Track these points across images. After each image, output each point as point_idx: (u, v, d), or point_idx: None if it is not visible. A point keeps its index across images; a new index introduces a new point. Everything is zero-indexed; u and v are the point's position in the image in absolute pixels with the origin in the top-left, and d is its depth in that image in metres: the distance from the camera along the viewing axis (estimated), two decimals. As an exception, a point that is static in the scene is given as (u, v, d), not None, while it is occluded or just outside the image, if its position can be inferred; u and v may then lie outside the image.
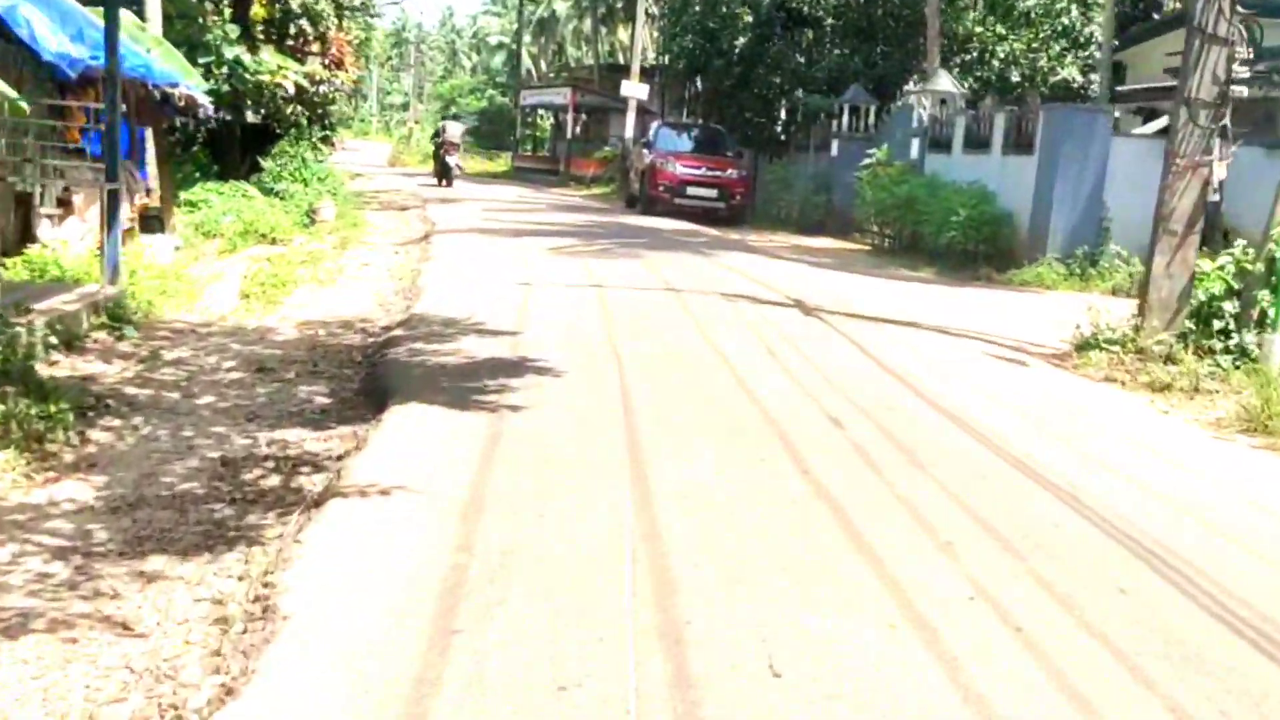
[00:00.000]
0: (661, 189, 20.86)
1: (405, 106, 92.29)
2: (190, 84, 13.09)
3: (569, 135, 31.55)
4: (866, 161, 17.79)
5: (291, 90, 23.96)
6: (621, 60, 40.33)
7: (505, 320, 8.13)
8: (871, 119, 20.89)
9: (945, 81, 17.19)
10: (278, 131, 20.68)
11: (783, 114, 23.40)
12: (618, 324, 8.34)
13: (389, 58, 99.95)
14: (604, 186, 29.39)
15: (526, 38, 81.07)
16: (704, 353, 7.42)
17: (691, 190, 20.78)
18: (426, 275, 10.66)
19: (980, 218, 14.35)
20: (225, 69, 18.39)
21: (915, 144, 17.61)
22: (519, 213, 19.20)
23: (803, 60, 22.94)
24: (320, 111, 27.75)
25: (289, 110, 22.17)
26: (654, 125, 23.06)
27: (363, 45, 39.52)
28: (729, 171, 21.13)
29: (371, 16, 68.06)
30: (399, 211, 19.59)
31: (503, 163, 42.46)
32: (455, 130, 26.79)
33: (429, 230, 15.59)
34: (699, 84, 28.32)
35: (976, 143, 15.87)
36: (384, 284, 10.54)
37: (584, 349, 7.26)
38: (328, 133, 28.50)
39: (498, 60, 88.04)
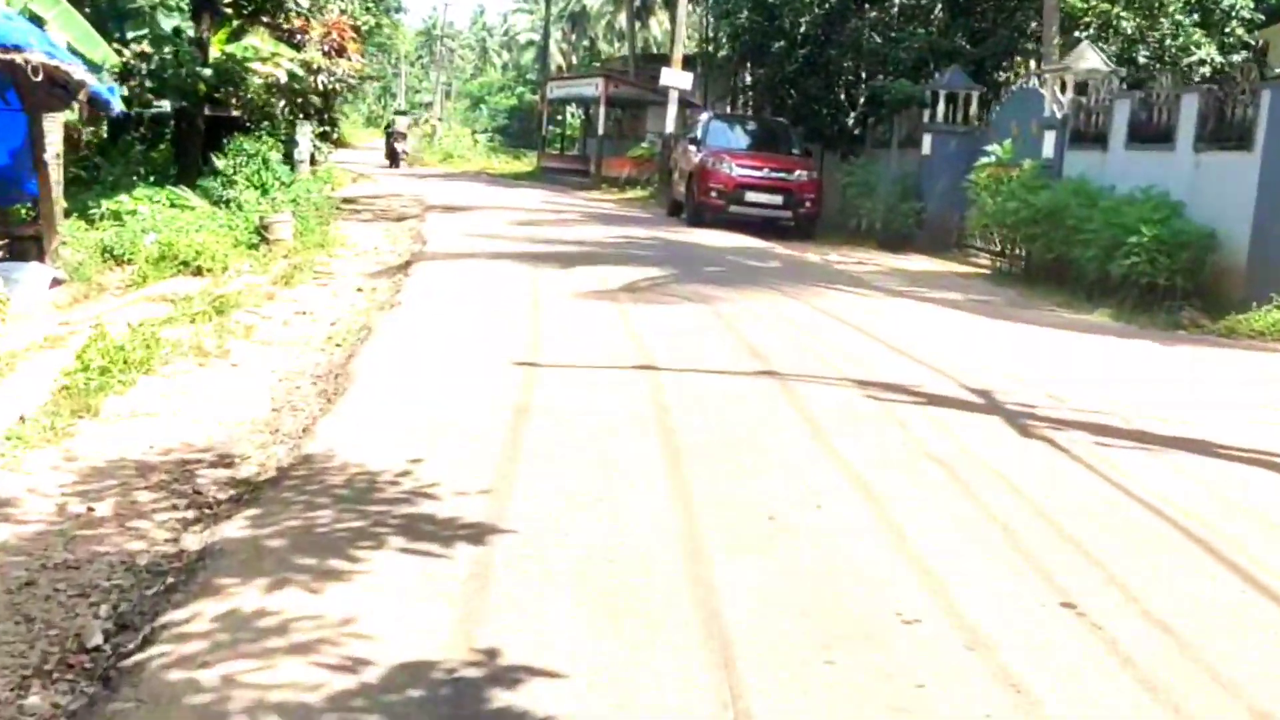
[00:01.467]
0: (713, 195, 16.75)
1: (438, 106, 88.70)
2: (77, 60, 9.20)
3: (601, 132, 27.55)
4: (983, 161, 13.60)
5: (283, 79, 20.20)
6: (657, 52, 36.16)
7: (472, 473, 4.10)
8: (974, 108, 16.67)
9: (1092, 58, 12.93)
10: (248, 125, 16.82)
11: (858, 103, 19.18)
12: (691, 473, 4.26)
13: (419, 56, 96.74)
14: (640, 190, 25.31)
15: (556, 33, 77.33)
16: (896, 583, 3.32)
17: (751, 196, 16.64)
18: (376, 342, 6.63)
19: (1171, 239, 10.12)
20: (170, 47, 14.58)
21: (1049, 138, 13.39)
22: (539, 225, 15.16)
23: (880, 39, 18.70)
24: (319, 105, 23.95)
25: (264, 101, 18.40)
26: (702, 117, 18.92)
27: (373, 32, 35.91)
28: (796, 173, 16.96)
29: (395, 12, 63.95)
30: (394, 222, 15.63)
31: (529, 163, 38.47)
32: (403, 123, 32.23)
33: (416, 252, 11.60)
34: (748, 73, 24.21)
35: (1149, 135, 11.61)
36: (308, 357, 6.53)
37: (627, 581, 3.19)
38: (327, 129, 24.71)
39: (528, 57, 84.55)
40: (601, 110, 27.40)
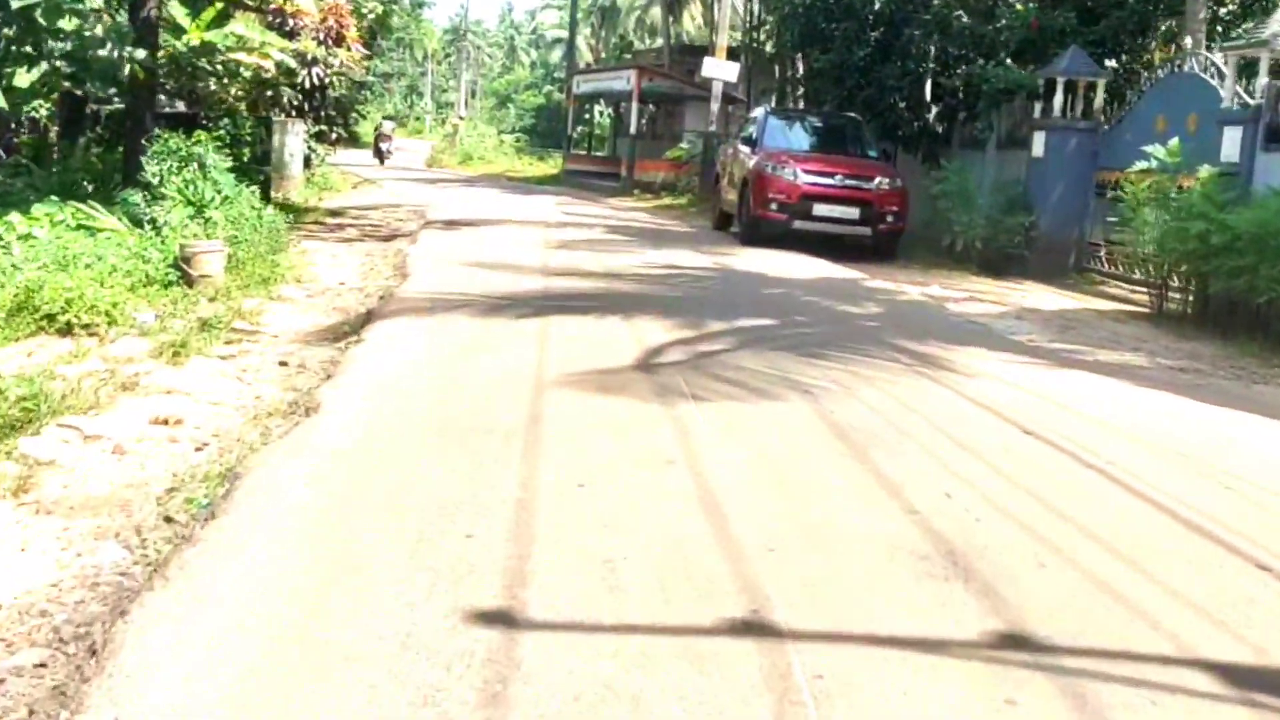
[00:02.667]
0: (774, 207, 13.47)
1: (464, 105, 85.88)
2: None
3: (633, 131, 24.33)
4: (1140, 166, 10.25)
5: (270, 71, 17.02)
6: (693, 44, 32.85)
7: None
8: (1099, 99, 13.31)
9: (1296, 27, 9.56)
10: (205, 123, 13.76)
11: (943, 95, 15.83)
12: None
13: (446, 54, 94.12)
14: (677, 196, 22.07)
15: (585, 29, 74.33)
16: None
17: (821, 209, 13.35)
18: (216, 542, 3.50)
19: None
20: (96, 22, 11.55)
21: (1230, 137, 10.04)
22: (557, 248, 11.98)
23: (967, 19, 15.31)
24: (314, 100, 20.92)
25: (248, 94, 15.38)
26: (757, 113, 15.62)
27: (384, 21, 32.74)
28: (876, 181, 13.65)
29: (420, 7, 60.26)
30: (381, 243, 12.51)
31: (554, 165, 35.31)
32: (388, 126, 33.99)
33: (387, 295, 8.44)
34: (798, 64, 20.90)
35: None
36: (97, 555, 3.42)
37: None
38: (324, 128, 21.69)
39: (555, 55, 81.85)
40: (634, 107, 24.18)
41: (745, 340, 6.88)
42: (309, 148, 20.97)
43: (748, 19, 25.36)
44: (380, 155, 30.80)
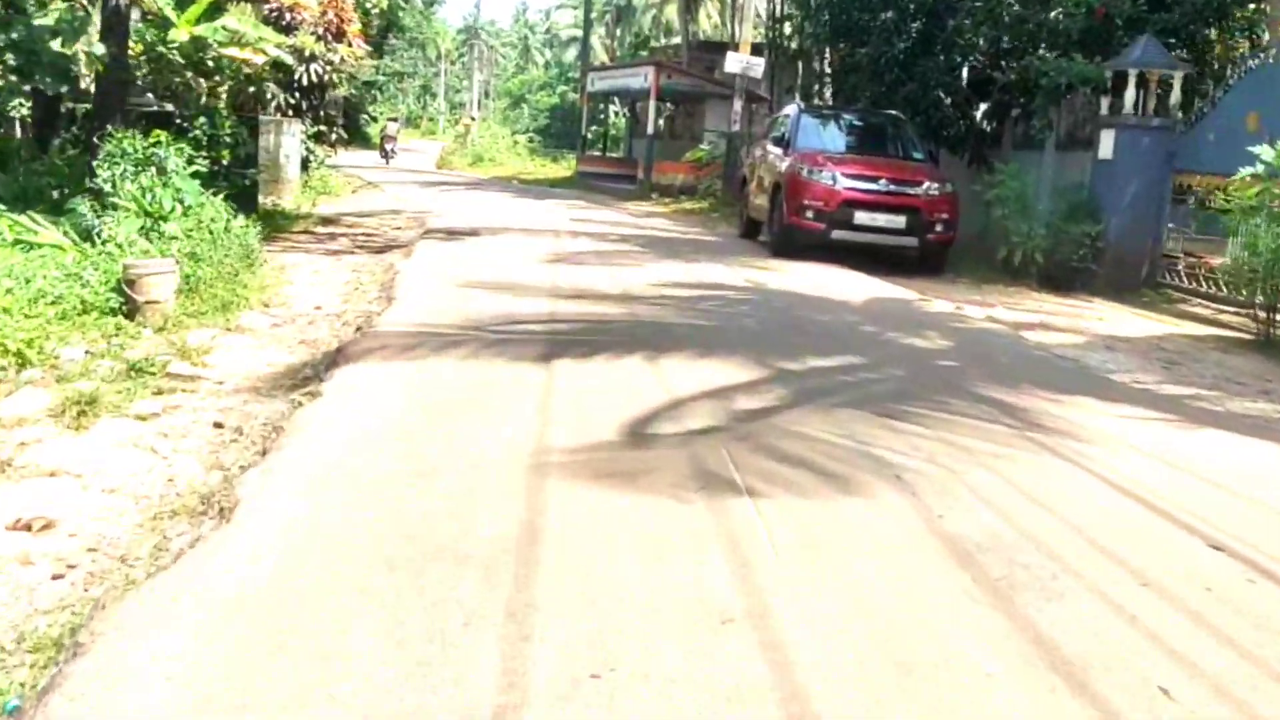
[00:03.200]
0: (810, 215, 12.02)
1: (478, 105, 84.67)
2: None
3: (651, 131, 22.90)
4: (1245, 172, 8.76)
5: (261, 67, 15.64)
6: (712, 40, 31.36)
7: None
8: (1175, 94, 11.81)
9: None
10: (181, 122, 12.42)
11: (992, 91, 14.35)
12: None
13: (460, 54, 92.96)
14: (698, 200, 20.64)
15: (600, 30, 72.99)
16: None
17: (863, 217, 11.88)
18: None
19: None
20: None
21: (1355, 135, 8.57)
22: (568, 262, 10.57)
23: (1018, 6, 13.81)
24: (313, 99, 19.62)
25: (206, 91, 14.07)
26: (789, 111, 14.13)
27: (389, 14, 31.33)
28: (925, 186, 12.17)
29: (432, 5, 59.16)
30: (372, 256, 11.11)
31: (568, 166, 33.92)
32: (393, 127, 34.13)
33: (365, 326, 7.05)
34: (827, 58, 19.44)
35: None
36: None
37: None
38: (323, 129, 20.38)
39: (570, 55, 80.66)
40: (651, 105, 22.74)
41: (800, 391, 5.45)
42: (307, 149, 19.67)
43: (770, 13, 23.90)
44: (385, 155, 31.96)
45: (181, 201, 8.78)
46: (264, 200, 15.29)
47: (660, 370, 5.77)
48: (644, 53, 34.44)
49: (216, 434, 4.74)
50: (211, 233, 8.54)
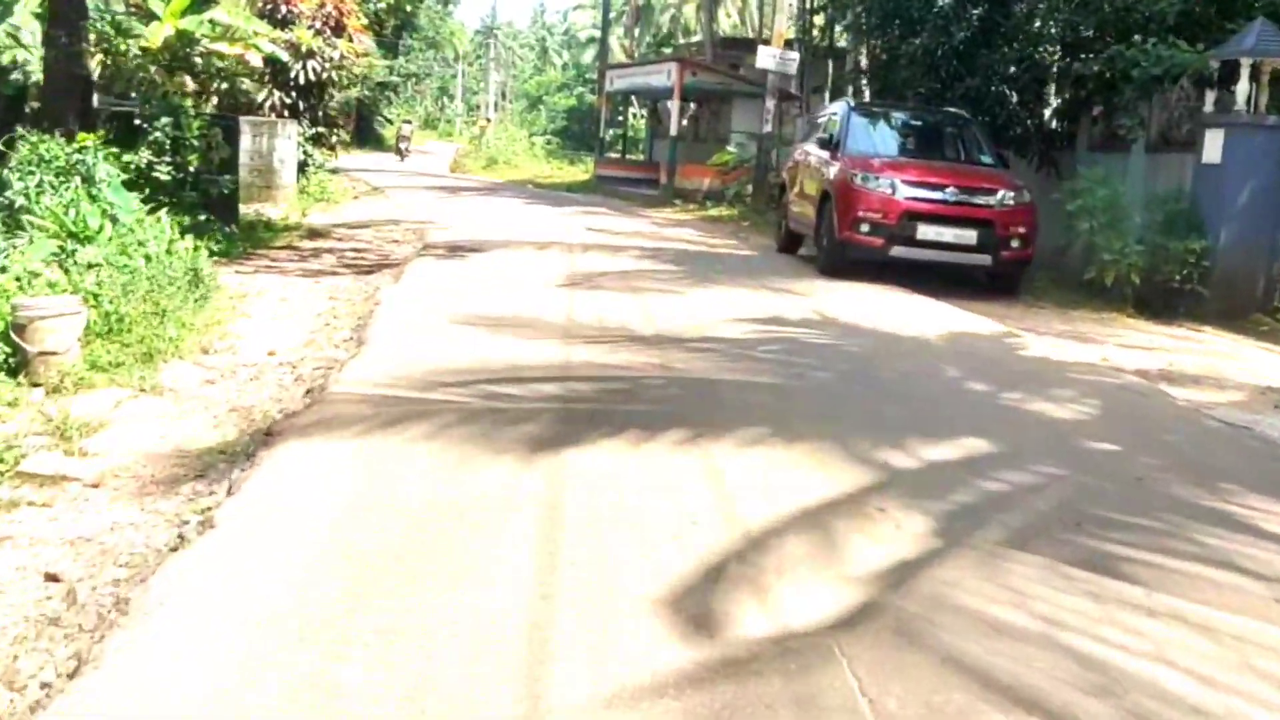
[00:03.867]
0: (865, 229, 10.23)
1: (495, 106, 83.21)
2: None
3: (674, 132, 21.13)
4: None
5: (258, 64, 14.10)
6: (736, 36, 29.54)
7: None
8: (1296, 87, 9.99)
9: None
10: (142, 124, 10.76)
11: (1067, 85, 12.53)
12: None
13: (477, 56, 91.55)
14: (727, 207, 18.88)
15: (618, 30, 71.33)
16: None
17: (927, 231, 10.09)
18: None
19: None
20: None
21: None
22: (585, 286, 8.83)
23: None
24: (311, 98, 18.00)
25: (171, 86, 12.49)
26: (835, 110, 12.28)
27: (402, 10, 29.83)
28: (999, 195, 10.35)
29: (447, 3, 57.22)
30: (358, 278, 9.42)
31: (586, 169, 32.22)
32: (408, 129, 36.86)
33: (309, 392, 5.35)
34: (861, 55, 17.66)
35: None
36: None
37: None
38: (321, 130, 18.75)
39: (588, 56, 79.12)
40: (674, 105, 20.99)
41: (930, 513, 3.67)
42: (304, 153, 18.04)
43: (800, 6, 22.11)
44: (400, 154, 34.43)
45: (113, 219, 7.12)
46: (248, 210, 13.67)
47: (715, 469, 4.03)
48: (665, 50, 32.66)
49: (37, 607, 3.01)
50: (148, 257, 6.86)
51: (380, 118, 50.85)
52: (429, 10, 64.20)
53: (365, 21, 21.19)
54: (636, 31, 66.50)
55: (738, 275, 10.32)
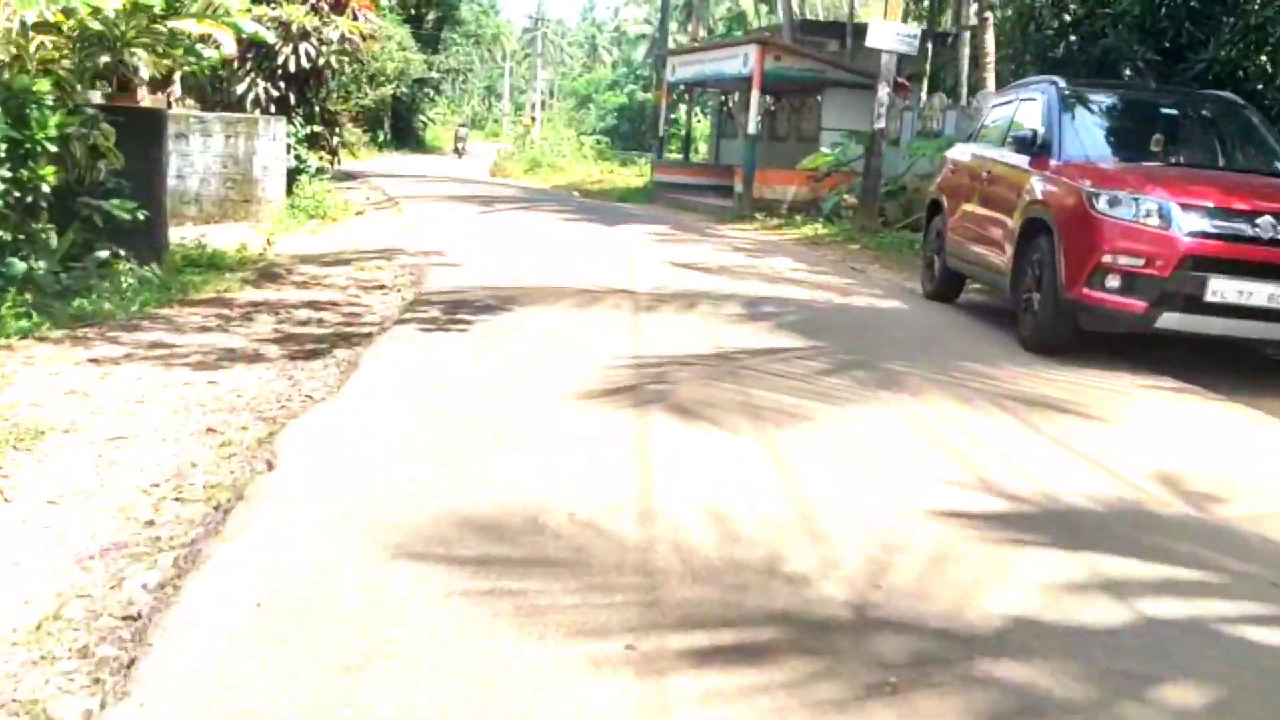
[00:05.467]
0: (1114, 284, 6.13)
1: (542, 105, 79.75)
2: None
3: (752, 130, 17.03)
4: None
5: (231, 48, 9.91)
6: (818, 19, 25.31)
7: None
8: None
9: None
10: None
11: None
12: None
13: (525, 54, 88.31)
14: (823, 225, 14.82)
15: (671, 25, 67.41)
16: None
17: (1228, 289, 5.99)
18: None
19: None
20: None
21: None
22: (647, 406, 4.81)
23: None
24: (306, 90, 14.34)
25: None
26: (1031, 95, 8.01)
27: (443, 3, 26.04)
28: (1345, 227, 6.22)
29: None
30: (292, 367, 5.59)
31: (639, 172, 28.29)
32: (463, 131, 42.98)
33: None
34: (987, 30, 13.58)
35: None
36: None
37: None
38: (318, 128, 15.03)
39: (638, 53, 75.47)
40: (754, 97, 16.94)
41: None
42: (296, 158, 14.33)
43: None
44: (459, 152, 39.63)
45: None
46: (199, 233, 10.02)
47: None
48: (738, 33, 28.56)
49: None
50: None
51: (422, 118, 47.32)
52: (471, 2, 60.81)
53: (379, -4, 17.47)
54: (689, 27, 62.24)
55: (909, 356, 6.26)
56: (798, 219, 15.53)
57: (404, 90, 41.03)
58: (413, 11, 43.23)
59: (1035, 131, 7.35)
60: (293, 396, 4.97)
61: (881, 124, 13.56)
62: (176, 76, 13.57)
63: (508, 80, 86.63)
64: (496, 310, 7.12)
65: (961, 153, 8.86)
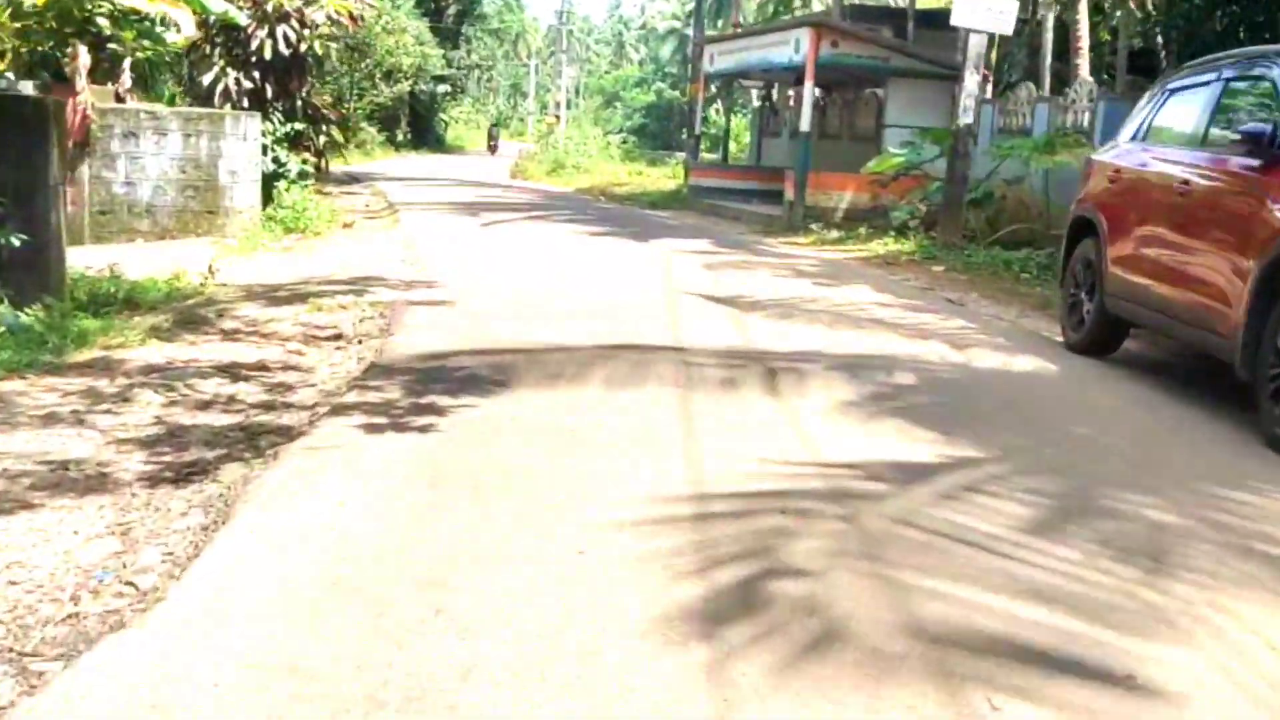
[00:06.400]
0: None
1: (568, 104, 77.56)
2: None
3: (806, 127, 14.58)
4: None
5: (190, 28, 7.18)
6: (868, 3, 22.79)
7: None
8: None
9: None
10: None
11: None
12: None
13: (550, 52, 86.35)
14: (892, 238, 12.46)
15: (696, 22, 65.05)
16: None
17: None
18: None
19: None
20: None
21: None
22: (682, 610, 2.56)
23: None
24: (287, 81, 12.14)
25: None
26: (1267, 68, 5.75)
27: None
28: None
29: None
30: (262, 404, 3.35)
31: (671, 173, 25.95)
32: (496, 131, 45.05)
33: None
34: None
35: None
36: None
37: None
38: (300, 126, 12.78)
39: (666, 49, 73.15)
40: (807, 88, 14.56)
41: None
42: (274, 161, 12.15)
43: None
44: (492, 150, 41.57)
45: None
46: (135, 257, 7.90)
47: None
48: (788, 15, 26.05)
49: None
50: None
51: (443, 117, 45.05)
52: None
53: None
54: (719, 23, 59.70)
55: (1135, 484, 3.90)
56: (861, 231, 13.16)
57: (422, 88, 38.85)
58: (432, 5, 41.07)
59: (1272, 127, 4.97)
60: (97, 590, 2.74)
61: (969, 119, 11.17)
62: (126, 65, 11.45)
63: (533, 79, 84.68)
64: (485, 388, 4.85)
65: (1126, 156, 6.47)
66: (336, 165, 27.68)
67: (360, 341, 6.04)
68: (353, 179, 20.75)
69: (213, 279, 7.83)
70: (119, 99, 11.28)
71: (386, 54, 32.68)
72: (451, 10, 43.37)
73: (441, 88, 40.88)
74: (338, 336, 6.19)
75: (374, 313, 6.78)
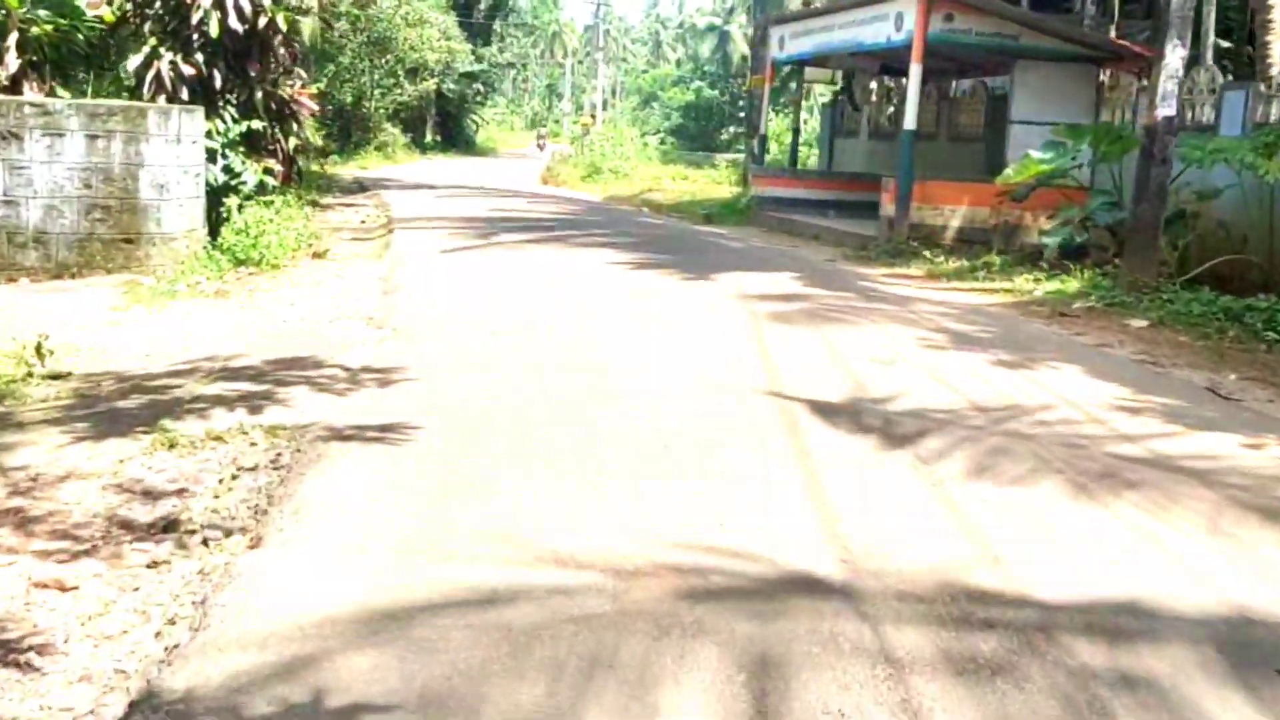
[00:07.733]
0: None
1: (604, 105, 74.39)
2: None
3: (912, 124, 11.33)
4: None
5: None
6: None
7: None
8: None
9: None
10: None
11: None
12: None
13: (587, 53, 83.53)
14: (1044, 274, 9.19)
15: (740, 17, 61.74)
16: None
17: None
18: None
19: None
20: None
21: None
22: None
23: None
24: (245, 66, 8.92)
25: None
26: None
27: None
28: None
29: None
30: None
31: (721, 178, 22.71)
32: (544, 130, 47.43)
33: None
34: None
35: None
36: None
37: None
38: (258, 124, 9.62)
39: (706, 47, 70.05)
40: (913, 74, 11.30)
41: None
42: (226, 169, 9.09)
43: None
44: (540, 147, 41.33)
45: None
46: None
47: None
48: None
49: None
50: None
51: (474, 118, 41.98)
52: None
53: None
54: (761, 17, 56.04)
55: None
56: (991, 259, 9.91)
57: (451, 86, 35.87)
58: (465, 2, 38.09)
59: None
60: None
61: (1170, 109, 7.88)
62: (11, 42, 8.47)
63: (569, 78, 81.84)
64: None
65: None
66: (350, 170, 24.80)
67: (206, 544, 2.97)
68: (361, 187, 17.81)
69: (42, 365, 4.80)
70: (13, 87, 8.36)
71: (410, 49, 29.81)
72: (483, 4, 40.40)
73: (472, 86, 37.89)
74: (170, 527, 3.11)
75: (264, 457, 3.68)
